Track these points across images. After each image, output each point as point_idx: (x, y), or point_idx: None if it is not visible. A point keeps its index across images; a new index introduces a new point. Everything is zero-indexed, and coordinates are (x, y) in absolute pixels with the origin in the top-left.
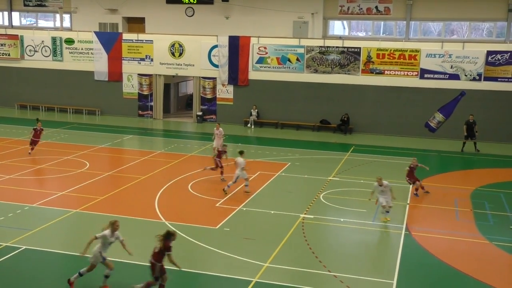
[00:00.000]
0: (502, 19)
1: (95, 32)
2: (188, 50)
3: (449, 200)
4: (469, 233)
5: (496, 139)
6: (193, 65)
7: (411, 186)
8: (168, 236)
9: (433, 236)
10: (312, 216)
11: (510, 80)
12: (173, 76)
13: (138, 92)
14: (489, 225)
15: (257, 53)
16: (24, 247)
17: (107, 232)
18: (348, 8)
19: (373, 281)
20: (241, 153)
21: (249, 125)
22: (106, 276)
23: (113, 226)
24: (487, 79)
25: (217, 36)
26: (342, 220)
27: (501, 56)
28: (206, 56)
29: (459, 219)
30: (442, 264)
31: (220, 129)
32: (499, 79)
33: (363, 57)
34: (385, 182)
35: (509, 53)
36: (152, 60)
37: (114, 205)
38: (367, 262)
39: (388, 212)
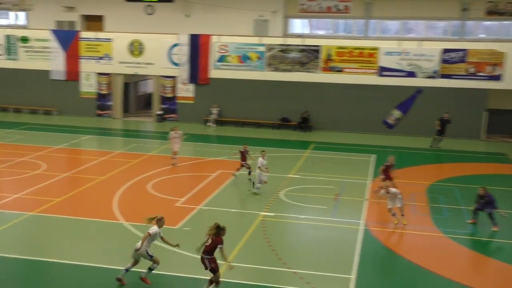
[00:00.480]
0: (456, 18)
1: (52, 30)
2: (148, 48)
3: (406, 195)
4: (425, 227)
5: (451, 134)
6: (153, 64)
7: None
8: (219, 231)
9: (390, 231)
10: (272, 214)
11: (464, 77)
12: (132, 75)
13: (97, 92)
14: (444, 218)
15: (218, 51)
16: None
17: (157, 229)
18: (308, 7)
19: (333, 277)
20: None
21: (209, 123)
22: (151, 269)
23: (161, 222)
24: (443, 76)
25: (177, 34)
26: (302, 217)
27: (455, 54)
28: (166, 55)
29: (415, 213)
30: (399, 258)
31: (179, 131)
32: (453, 76)
33: (323, 55)
34: (393, 189)
35: (463, 51)
36: (111, 58)
37: (72, 206)
38: (327, 258)
39: (393, 215)
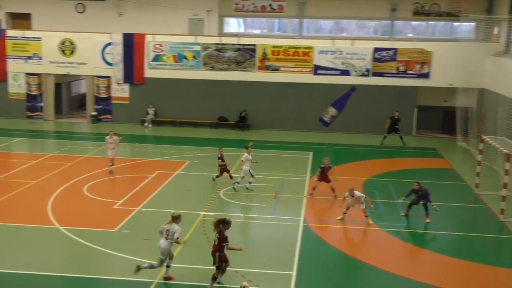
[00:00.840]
0: (386, 18)
1: None
2: (80, 48)
3: (343, 191)
4: (362, 222)
5: (383, 130)
6: (86, 64)
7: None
8: (219, 225)
9: (329, 226)
10: (212, 213)
11: (394, 75)
12: (64, 75)
13: (26, 93)
14: (379, 212)
15: (153, 50)
16: None
17: (178, 226)
18: (243, 6)
19: (274, 274)
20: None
21: (146, 124)
22: (168, 266)
23: (179, 219)
24: (375, 74)
25: (110, 33)
26: (242, 215)
27: (386, 53)
28: (100, 54)
29: (353, 208)
30: (338, 253)
31: (115, 137)
32: (385, 75)
33: (258, 54)
34: (357, 193)
35: (393, 50)
36: (40, 58)
37: (3, 212)
38: (268, 255)
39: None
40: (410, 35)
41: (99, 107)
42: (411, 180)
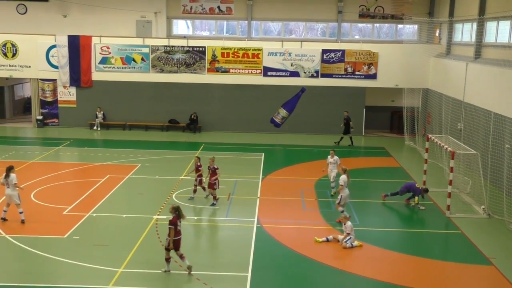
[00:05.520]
0: (333, 20)
1: None
2: (22, 50)
3: (296, 191)
4: (315, 221)
5: (333, 131)
6: (30, 66)
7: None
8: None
9: (283, 227)
10: (165, 217)
11: (343, 76)
12: (7, 78)
13: None
14: (331, 212)
15: (100, 53)
16: None
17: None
18: (191, 8)
19: (230, 276)
20: None
21: (95, 127)
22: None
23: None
24: (323, 75)
25: (55, 35)
26: (196, 218)
27: (334, 54)
28: (44, 57)
29: (305, 208)
30: (292, 253)
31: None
32: (333, 76)
33: (208, 56)
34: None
35: (341, 52)
36: None
37: None
38: (222, 257)
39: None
40: (357, 37)
41: (45, 111)
42: (361, 179)
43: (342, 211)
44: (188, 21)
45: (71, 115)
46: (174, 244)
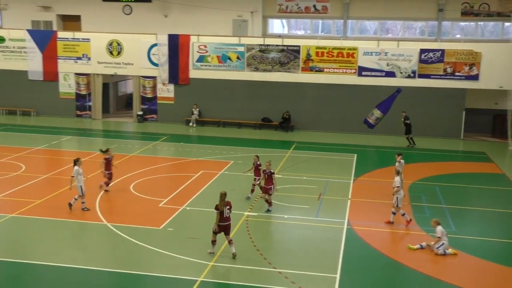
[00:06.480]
0: (433, 18)
1: (28, 30)
2: (126, 48)
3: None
4: (407, 226)
5: (430, 134)
6: (132, 64)
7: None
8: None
9: (373, 230)
10: (256, 214)
11: (441, 77)
12: (112, 75)
13: (76, 92)
14: (425, 217)
15: (197, 51)
16: None
17: None
18: (287, 7)
19: (317, 276)
20: None
21: (190, 124)
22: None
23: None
24: (421, 76)
25: (156, 34)
26: (285, 216)
27: (433, 54)
28: (146, 55)
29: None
30: (382, 257)
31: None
32: (432, 76)
33: (302, 55)
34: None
35: (440, 51)
36: (89, 59)
37: (52, 208)
38: (311, 258)
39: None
40: (458, 36)
41: (145, 106)
42: (459, 184)
43: (403, 214)
44: (284, 20)
45: (169, 111)
46: (222, 228)
